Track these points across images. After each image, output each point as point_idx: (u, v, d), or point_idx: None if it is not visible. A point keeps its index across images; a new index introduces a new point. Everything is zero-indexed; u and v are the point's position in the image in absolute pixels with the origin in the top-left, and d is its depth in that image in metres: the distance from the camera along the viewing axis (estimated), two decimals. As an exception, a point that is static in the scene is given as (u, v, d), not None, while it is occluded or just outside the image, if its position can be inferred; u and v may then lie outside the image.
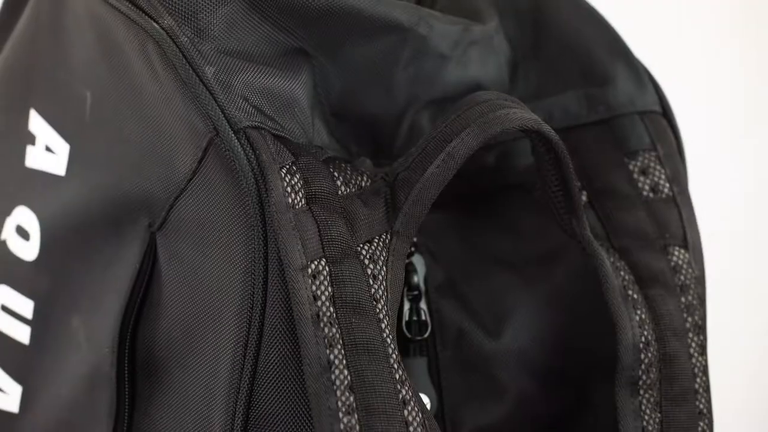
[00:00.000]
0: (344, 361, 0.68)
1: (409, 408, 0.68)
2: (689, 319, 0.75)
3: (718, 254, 0.97)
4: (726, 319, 0.88)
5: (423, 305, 0.75)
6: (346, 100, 0.75)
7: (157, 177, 0.72)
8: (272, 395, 0.69)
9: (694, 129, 0.86)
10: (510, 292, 0.76)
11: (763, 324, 0.96)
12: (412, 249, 0.75)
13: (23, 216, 0.79)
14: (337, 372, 0.67)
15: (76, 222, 0.76)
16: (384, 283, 0.70)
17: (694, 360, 0.75)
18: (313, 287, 0.68)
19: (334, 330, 0.68)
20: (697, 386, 0.75)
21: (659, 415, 0.74)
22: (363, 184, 0.72)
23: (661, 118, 0.80)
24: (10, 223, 0.80)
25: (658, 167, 0.78)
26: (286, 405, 0.69)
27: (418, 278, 0.75)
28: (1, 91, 0.82)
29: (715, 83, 1.32)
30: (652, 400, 0.74)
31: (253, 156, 0.69)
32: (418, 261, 0.76)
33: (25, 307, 0.79)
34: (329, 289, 0.69)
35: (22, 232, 0.79)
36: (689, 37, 1.32)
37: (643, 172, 0.78)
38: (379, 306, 0.69)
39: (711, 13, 1.33)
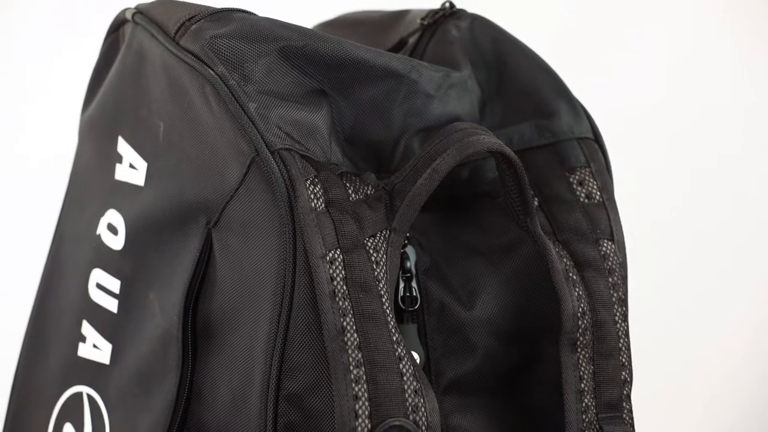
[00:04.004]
0: (354, 327, 0.70)
1: (404, 362, 0.71)
2: (614, 294, 0.77)
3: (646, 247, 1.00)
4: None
5: (414, 284, 0.76)
6: (355, 128, 0.76)
7: (212, 187, 0.74)
8: (299, 351, 0.71)
9: (619, 151, 0.88)
10: (480, 274, 0.77)
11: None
12: (406, 241, 0.76)
13: (113, 216, 0.81)
14: (348, 335, 0.70)
15: (151, 221, 0.78)
16: (384, 267, 0.72)
17: (618, 325, 0.76)
18: (330, 270, 0.71)
19: (346, 303, 0.70)
20: (620, 345, 0.76)
21: (592, 367, 0.75)
22: (368, 192, 0.74)
23: (593, 142, 0.81)
24: (103, 221, 0.81)
25: (592, 180, 0.79)
26: (310, 358, 0.71)
27: (410, 264, 0.76)
28: (97, 123, 0.84)
29: (639, 117, 1.35)
30: (587, 355, 0.75)
31: (285, 171, 0.71)
32: (410, 250, 0.76)
33: (114, 284, 0.80)
34: (343, 272, 0.71)
35: (112, 229, 0.81)
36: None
37: (580, 183, 0.79)
38: (381, 285, 0.72)
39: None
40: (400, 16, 0.89)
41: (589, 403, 0.75)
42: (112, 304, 0.80)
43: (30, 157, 1.31)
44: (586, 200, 0.79)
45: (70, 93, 1.25)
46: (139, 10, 0.80)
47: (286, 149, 0.72)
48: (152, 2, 0.80)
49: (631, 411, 0.76)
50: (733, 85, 1.37)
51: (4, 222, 1.32)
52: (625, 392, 0.76)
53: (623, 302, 0.77)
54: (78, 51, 1.27)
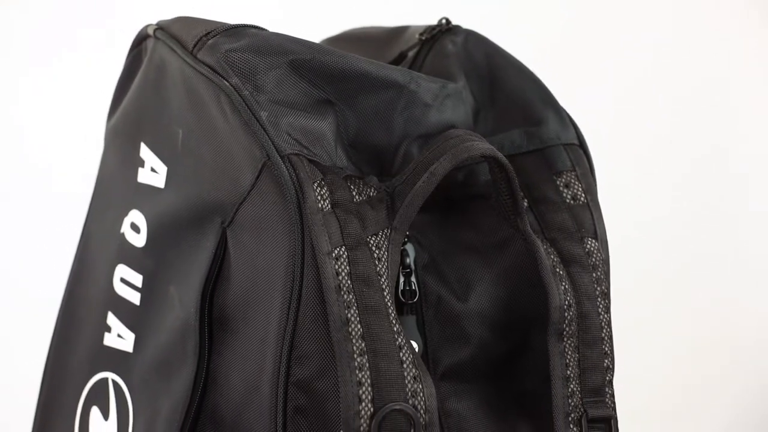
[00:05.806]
0: (358, 318, 0.71)
1: (404, 351, 0.71)
2: (598, 288, 0.77)
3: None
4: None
5: (413, 279, 0.76)
6: (359, 135, 0.77)
7: (227, 189, 0.75)
8: (307, 340, 0.72)
9: (602, 157, 0.88)
10: (474, 269, 0.78)
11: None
12: (406, 239, 0.77)
13: (136, 216, 0.82)
14: (352, 326, 0.71)
15: (171, 221, 0.79)
16: (386, 263, 0.73)
17: (601, 317, 0.77)
18: (336, 266, 0.71)
19: (350, 296, 0.71)
20: (603, 335, 0.76)
21: (577, 355, 0.76)
22: (371, 194, 0.75)
23: (578, 148, 0.81)
24: (127, 221, 0.82)
25: (577, 182, 0.80)
26: (317, 347, 0.72)
27: (409, 260, 0.76)
28: (121, 130, 0.85)
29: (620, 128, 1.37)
30: (572, 344, 0.76)
31: (294, 174, 0.72)
32: (409, 248, 0.77)
33: (137, 279, 0.81)
34: (347, 267, 0.72)
35: (135, 227, 0.82)
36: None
37: (566, 185, 0.80)
38: (382, 279, 0.72)
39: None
40: (400, 31, 0.89)
41: (575, 389, 0.76)
42: (135, 297, 0.81)
43: (40, 158, 1.32)
44: (572, 201, 0.79)
45: (69, 94, 1.25)
46: (160, 27, 0.81)
47: (295, 154, 0.73)
48: (172, 19, 0.81)
49: (613, 396, 0.77)
50: (717, 92, 1.37)
51: (8, 222, 1.33)
52: (607, 378, 0.76)
53: (606, 295, 0.78)
54: (77, 52, 1.27)
